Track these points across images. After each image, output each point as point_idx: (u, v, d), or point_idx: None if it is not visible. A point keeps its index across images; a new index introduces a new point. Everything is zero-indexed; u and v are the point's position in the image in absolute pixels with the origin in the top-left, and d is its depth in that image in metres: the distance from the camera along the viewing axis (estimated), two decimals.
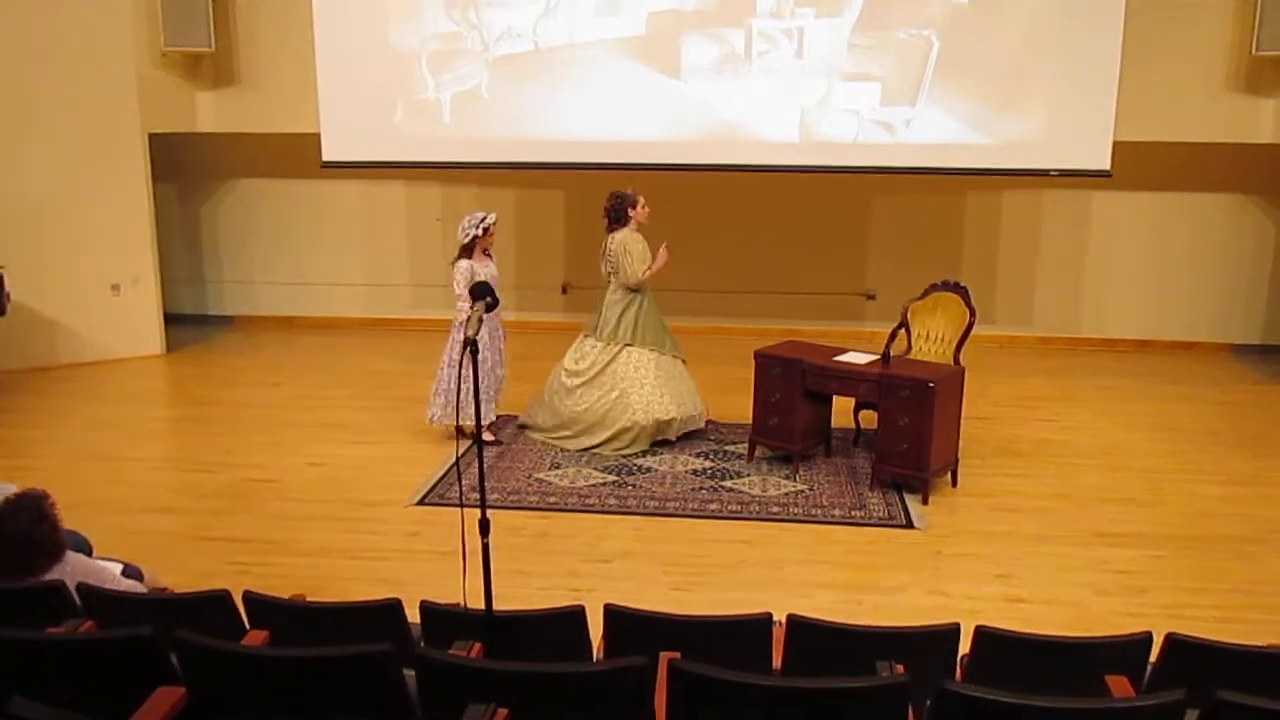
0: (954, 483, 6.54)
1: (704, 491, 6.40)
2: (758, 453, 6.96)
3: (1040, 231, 10.45)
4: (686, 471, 6.74)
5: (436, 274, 11.04)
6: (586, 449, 7.03)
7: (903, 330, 7.34)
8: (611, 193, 7.17)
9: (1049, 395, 8.73)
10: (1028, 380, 9.22)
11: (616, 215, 7.16)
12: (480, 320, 3.35)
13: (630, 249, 7.07)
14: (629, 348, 7.15)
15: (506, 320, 10.61)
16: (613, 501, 6.21)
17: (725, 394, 8.26)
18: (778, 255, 10.56)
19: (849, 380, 6.45)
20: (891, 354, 6.63)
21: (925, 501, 6.22)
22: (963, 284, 7.40)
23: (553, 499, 6.24)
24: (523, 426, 7.41)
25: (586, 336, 7.34)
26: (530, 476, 6.61)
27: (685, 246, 10.40)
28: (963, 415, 6.57)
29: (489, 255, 6.94)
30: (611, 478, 6.59)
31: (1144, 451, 7.34)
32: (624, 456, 6.92)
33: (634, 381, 7.09)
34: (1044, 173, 8.97)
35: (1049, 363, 9.88)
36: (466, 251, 6.79)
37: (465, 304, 6.71)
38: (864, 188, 10.31)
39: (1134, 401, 8.58)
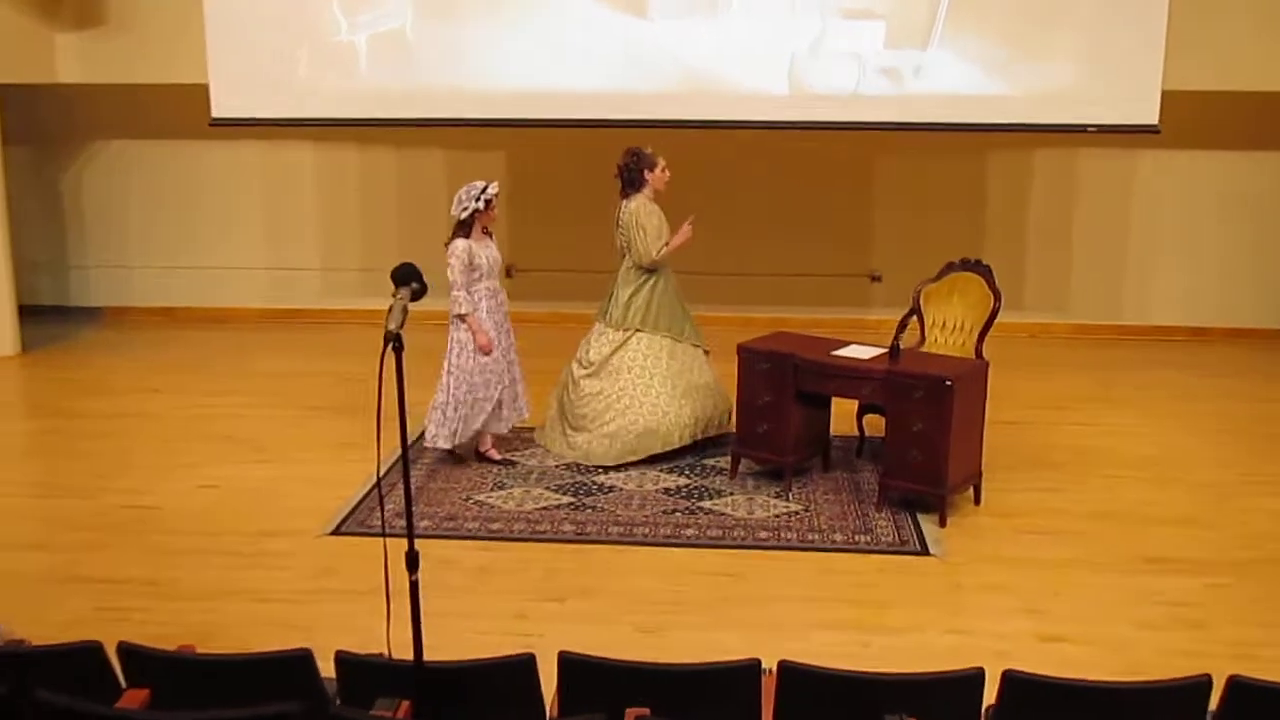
0: (976, 500, 6.60)
1: (678, 514, 6.41)
2: (742, 467, 6.99)
3: (1076, 199, 10.56)
4: (657, 490, 6.75)
5: (351, 255, 11.00)
6: (614, 463, 7.08)
7: (914, 318, 7.39)
8: (627, 150, 7.21)
9: (1088, 395, 8.82)
10: (1063, 377, 9.31)
11: (630, 179, 7.19)
12: (404, 311, 3.35)
13: (643, 222, 7.12)
14: (639, 334, 7.21)
15: (437, 309, 10.69)
16: (568, 528, 6.21)
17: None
18: (763, 229, 10.60)
19: (850, 379, 6.49)
20: (901, 347, 6.68)
21: (942, 523, 6.27)
22: (985, 262, 7.46)
23: (496, 525, 6.23)
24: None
25: (598, 320, 7.42)
26: (469, 499, 6.60)
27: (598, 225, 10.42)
28: (986, 419, 6.63)
29: (489, 234, 6.90)
30: (567, 499, 6.60)
31: (1200, 461, 7.44)
32: (625, 465, 7.03)
33: (641, 373, 7.15)
34: (1080, 129, 9.05)
35: (1088, 355, 9.99)
36: (464, 230, 6.75)
37: (461, 294, 6.73)
38: (866, 148, 10.38)
39: (1188, 401, 8.70)
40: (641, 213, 7.12)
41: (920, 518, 6.36)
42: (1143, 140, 9.87)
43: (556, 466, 7.07)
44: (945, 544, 6.06)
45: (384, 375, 3.26)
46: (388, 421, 3.42)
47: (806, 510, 6.47)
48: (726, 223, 10.61)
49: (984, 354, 7.16)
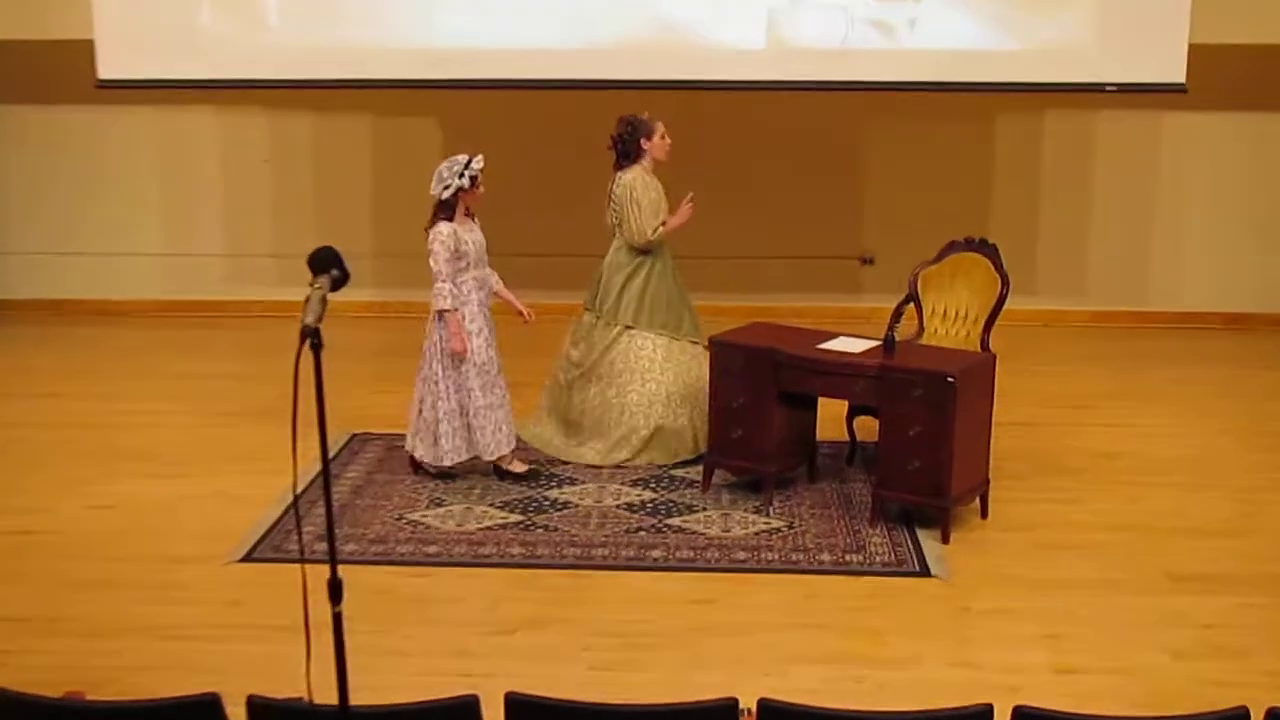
0: (984, 513, 6.64)
1: (642, 533, 6.42)
2: (716, 478, 7.01)
3: (1094, 168, 10.63)
4: (617, 506, 6.76)
5: (261, 239, 10.94)
6: (615, 465, 7.19)
7: (911, 306, 7.42)
8: (621, 118, 7.26)
9: (1109, 391, 8.89)
10: (1081, 371, 9.38)
11: (626, 148, 7.24)
12: (323, 302, 3.33)
13: (639, 196, 7.15)
14: (630, 331, 7.26)
15: (361, 300, 10.73)
16: (517, 550, 6.21)
17: None
18: (737, 206, 10.61)
19: (839, 376, 6.51)
20: (897, 339, 6.71)
21: (945, 540, 6.31)
22: (991, 241, 7.50)
23: (433, 549, 6.22)
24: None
25: (586, 310, 7.46)
26: (401, 518, 6.58)
27: (577, 199, 10.41)
28: (994, 421, 6.67)
29: (471, 216, 6.90)
30: (514, 517, 6.59)
31: (1236, 465, 7.51)
32: (613, 469, 7.13)
33: (634, 375, 7.20)
34: (1097, 88, 9.13)
35: (1109, 346, 10.05)
36: (446, 211, 6.75)
37: (446, 286, 6.70)
38: (855, 111, 10.41)
39: (1223, 397, 8.79)
40: (637, 186, 7.16)
41: (920, 534, 6.39)
42: (1168, 101, 9.95)
43: (503, 481, 7.06)
44: (949, 563, 6.10)
45: (301, 377, 3.25)
46: (306, 429, 3.41)
47: (790, 527, 6.49)
48: (695, 199, 10.61)
49: (991, 346, 7.21)
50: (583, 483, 7.06)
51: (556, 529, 6.45)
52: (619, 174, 7.25)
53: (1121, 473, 7.33)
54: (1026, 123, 10.55)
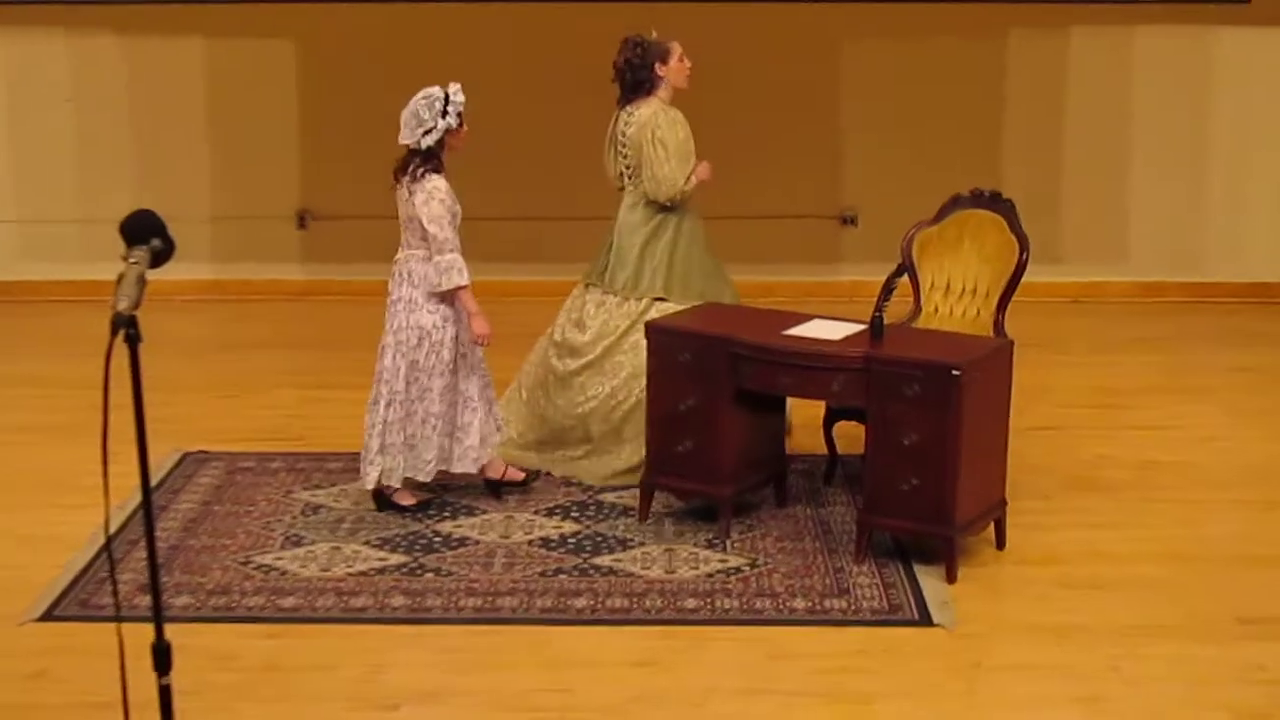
0: (999, 543, 6.67)
1: (564, 576, 6.40)
2: (658, 504, 7.00)
3: (1132, 101, 10.72)
4: (530, 542, 6.74)
5: (60, 200, 10.82)
6: (610, 477, 7.23)
7: (905, 278, 7.44)
8: (626, 40, 7.28)
9: (1156, 384, 8.97)
10: (1120, 360, 9.46)
11: (636, 78, 7.29)
12: (140, 282, 3.29)
13: (664, 135, 7.22)
14: (661, 304, 7.31)
15: (193, 279, 10.65)
16: (400, 602, 6.18)
17: None
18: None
19: (814, 371, 6.50)
20: (886, 321, 6.73)
21: (951, 578, 6.33)
22: (1006, 196, 7.53)
23: (290, 601, 6.18)
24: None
25: (590, 286, 7.50)
26: (249, 561, 6.53)
27: (512, 143, 10.42)
28: (1012, 425, 6.70)
29: None
30: (396, 557, 6.56)
31: None
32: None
33: None
34: None
35: (1154, 327, 10.15)
36: (434, 161, 6.82)
37: (458, 257, 6.73)
38: (830, 29, 10.44)
39: None
40: (661, 123, 7.22)
41: (919, 571, 6.40)
42: (1224, 14, 10.06)
43: (378, 512, 7.02)
44: (956, 608, 6.10)
45: (113, 379, 3.21)
46: (121, 447, 3.36)
47: (753, 566, 6.49)
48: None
49: (1007, 329, 7.24)
50: (484, 512, 7.03)
51: (451, 573, 6.41)
52: (628, 110, 7.32)
53: (1172, 488, 7.39)
54: (1047, 44, 10.63)
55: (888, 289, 7.11)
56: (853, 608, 6.10)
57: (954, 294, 7.48)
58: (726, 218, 10.61)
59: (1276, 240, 10.81)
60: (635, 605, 6.13)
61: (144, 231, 3.52)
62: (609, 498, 7.19)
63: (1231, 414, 8.43)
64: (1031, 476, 7.33)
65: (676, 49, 7.30)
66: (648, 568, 6.47)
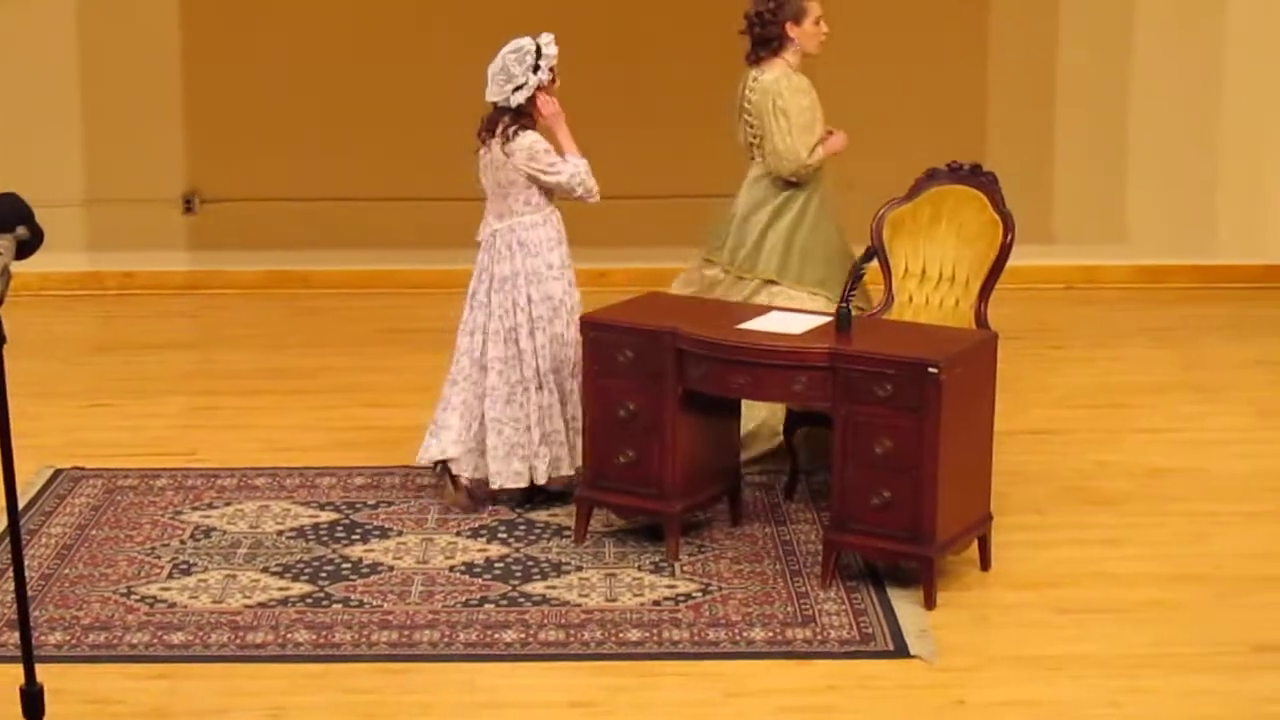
0: (984, 563, 6.69)
1: (490, 606, 6.40)
2: (596, 522, 7.01)
3: (1133, 58, 10.75)
4: (451, 567, 6.74)
5: None
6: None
7: (875, 263, 7.47)
8: None
9: (1161, 382, 9.02)
10: (1121, 354, 9.50)
11: (765, 33, 7.39)
12: (3, 275, 3.30)
13: (786, 104, 7.31)
14: (773, 287, 7.38)
15: (66, 272, 10.58)
16: (304, 637, 6.16)
17: None
18: (624, 123, 10.63)
19: (772, 369, 6.49)
20: (854, 311, 6.75)
21: (930, 604, 6.34)
22: (988, 169, 7.57)
23: (180, 637, 6.15)
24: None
25: (707, 261, 7.60)
26: (131, 593, 6.50)
27: (425, 112, 10.44)
28: (998, 429, 6.72)
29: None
30: (299, 586, 6.54)
31: None
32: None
33: None
34: None
35: (1159, 317, 10.19)
36: (524, 119, 7.05)
37: (541, 215, 7.07)
38: None
39: None
40: (784, 89, 7.33)
41: (893, 596, 6.40)
42: None
43: (281, 533, 7.02)
44: (936, 638, 6.10)
45: None
46: None
47: (705, 592, 6.49)
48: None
49: (990, 320, 7.27)
50: (398, 533, 7.03)
51: (362, 603, 6.40)
52: (755, 73, 7.44)
53: (1181, 500, 7.41)
54: (1034, 2, 10.66)
55: (855, 276, 7.14)
56: (819, 638, 6.10)
57: (930, 281, 7.50)
58: (671, 196, 10.66)
59: None
60: (572, 638, 6.12)
61: (7, 218, 3.53)
62: (541, 516, 7.19)
63: (1248, 415, 8.45)
64: (1021, 488, 7.35)
65: (814, 10, 7.41)
66: (585, 595, 6.46)
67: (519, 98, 6.96)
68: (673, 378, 6.63)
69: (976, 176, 7.50)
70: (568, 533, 6.99)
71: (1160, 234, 10.87)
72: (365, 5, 10.35)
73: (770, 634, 6.14)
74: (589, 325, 6.81)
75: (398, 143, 10.49)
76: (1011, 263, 7.38)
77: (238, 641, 6.11)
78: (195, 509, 7.30)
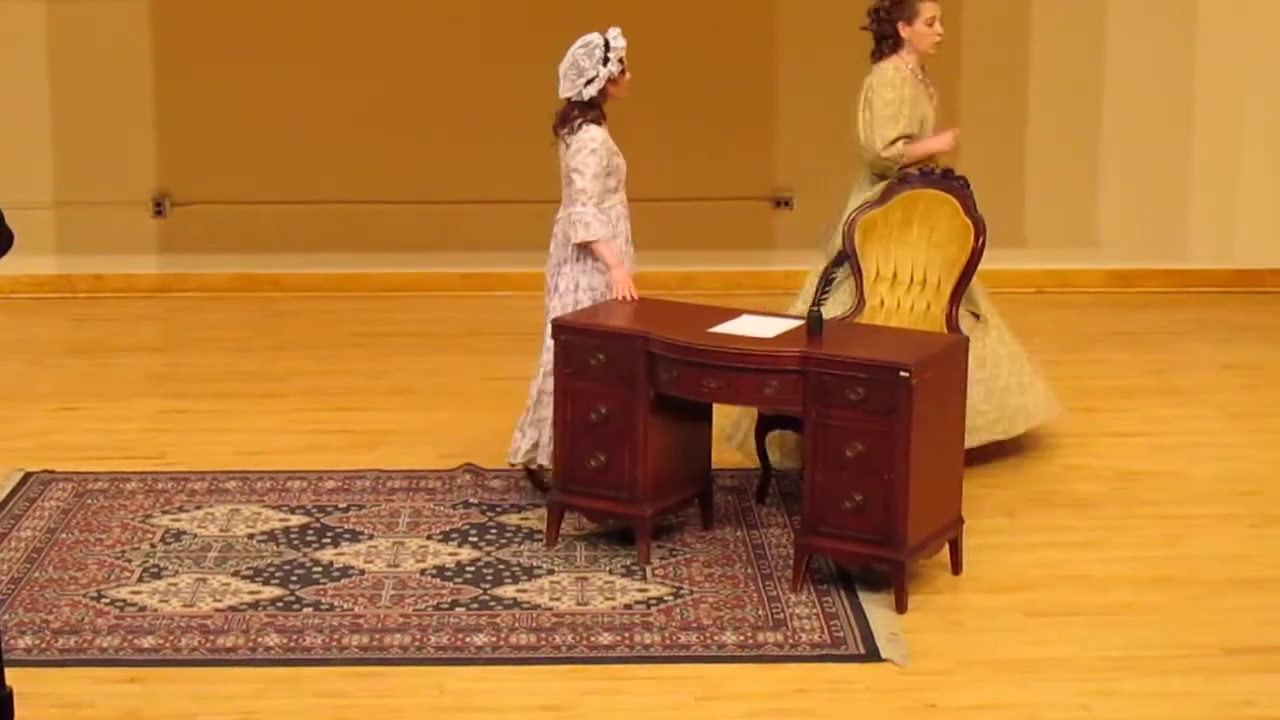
0: (956, 567, 6.69)
1: (461, 609, 6.38)
2: (567, 526, 6.99)
3: (1105, 59, 10.75)
4: (423, 571, 6.72)
5: None
6: None
7: (847, 267, 7.47)
8: None
9: (1131, 385, 9.02)
10: (1091, 357, 9.50)
11: (880, 31, 7.57)
12: None
13: (874, 96, 7.48)
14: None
15: (36, 275, 10.54)
16: (275, 640, 6.14)
17: (491, 410, 8.30)
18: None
19: (743, 373, 6.48)
20: (825, 315, 6.74)
21: (901, 607, 6.34)
22: (959, 173, 7.57)
23: (150, 641, 6.12)
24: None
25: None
26: (102, 596, 6.47)
27: (396, 115, 10.43)
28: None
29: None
30: (270, 590, 6.52)
31: None
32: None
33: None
34: None
35: (1130, 321, 10.19)
36: (593, 112, 7.16)
37: (589, 209, 7.04)
38: None
39: None
40: (877, 81, 7.49)
41: (865, 600, 6.40)
42: None
43: (252, 536, 7.00)
44: (907, 642, 6.10)
45: None
46: None
47: (676, 595, 6.48)
48: (526, 118, 10.57)
49: (961, 324, 7.28)
50: (369, 537, 7.01)
51: (333, 607, 6.37)
52: (875, 68, 7.60)
53: (1153, 503, 7.42)
54: (1007, 2, 10.66)
55: (826, 280, 7.15)
56: (790, 641, 6.10)
57: (901, 285, 7.49)
58: (644, 200, 10.60)
59: (1265, 222, 10.88)
60: (543, 642, 6.11)
61: None
62: (512, 519, 7.18)
63: (1220, 418, 8.46)
64: (992, 491, 7.36)
65: (928, 11, 7.48)
66: (557, 599, 6.45)
67: (590, 91, 7.08)
68: (644, 381, 6.62)
69: (948, 181, 7.51)
70: (539, 536, 6.98)
71: (1131, 238, 10.88)
72: (336, 9, 10.33)
73: (742, 637, 6.13)
74: (560, 328, 6.80)
75: (369, 146, 10.49)
76: (983, 266, 7.39)
77: (208, 645, 6.08)
78: (165, 512, 7.28)
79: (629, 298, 7.04)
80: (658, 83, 10.54)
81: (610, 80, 7.09)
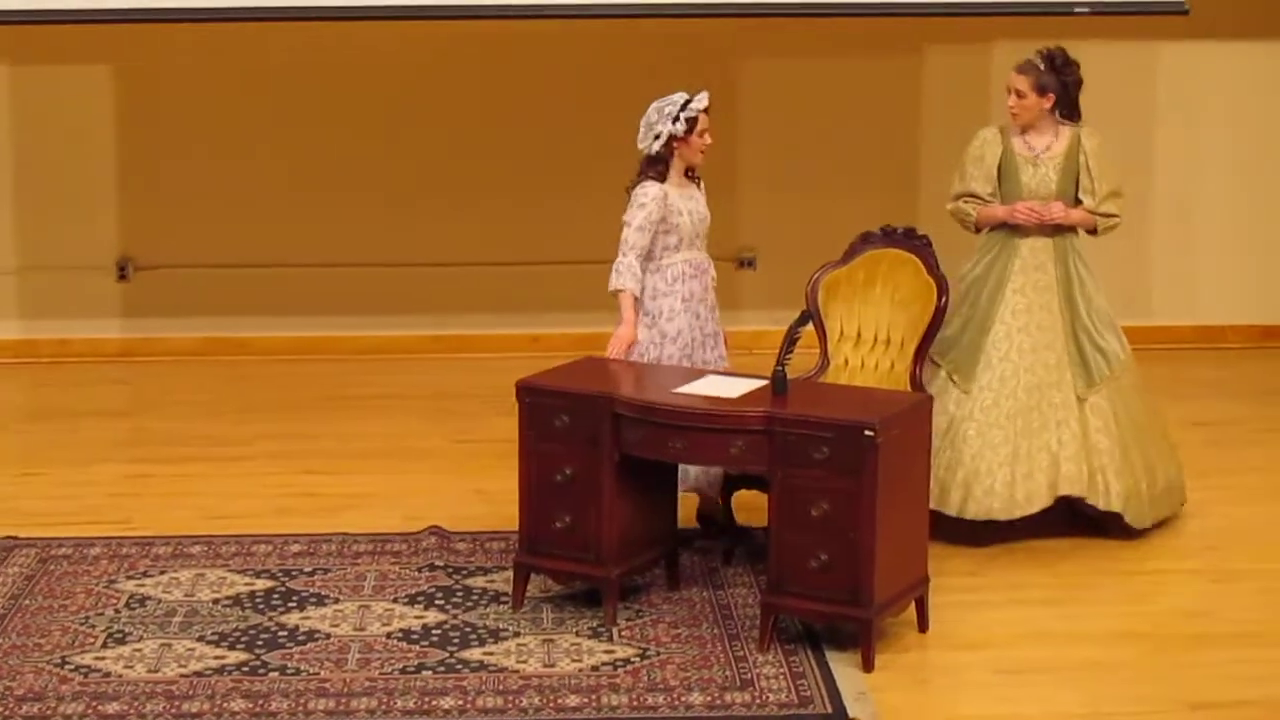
0: (922, 625, 6.69)
1: (428, 672, 6.35)
2: (533, 587, 6.98)
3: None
4: (389, 635, 6.70)
5: None
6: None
7: (811, 327, 7.48)
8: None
9: None
10: None
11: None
12: None
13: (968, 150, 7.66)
14: (936, 369, 7.53)
15: (2, 339, 10.52)
16: (241, 706, 6.10)
17: (457, 473, 8.31)
18: (555, 187, 10.64)
19: (708, 433, 6.48)
20: (790, 375, 6.75)
21: (869, 666, 6.32)
22: (922, 232, 7.60)
23: (115, 707, 6.07)
24: None
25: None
26: (65, 663, 6.44)
27: (360, 177, 10.48)
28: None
29: (694, 179, 7.45)
30: (235, 655, 6.49)
31: (1276, 540, 7.70)
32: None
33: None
34: (1064, 9, 9.31)
35: None
36: (655, 168, 7.30)
37: (624, 260, 7.20)
38: (723, 45, 10.48)
39: (1257, 445, 9.02)
40: (974, 138, 7.66)
41: (832, 659, 6.38)
42: (1164, 27, 10.20)
43: (217, 601, 6.97)
44: (875, 700, 6.08)
45: None
46: None
47: (643, 656, 6.46)
48: (484, 180, 10.62)
49: (925, 383, 7.31)
50: (335, 600, 6.99)
51: (299, 671, 6.34)
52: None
53: (1119, 559, 7.43)
54: (968, 60, 10.72)
55: (791, 339, 7.15)
56: (757, 701, 6.09)
57: (865, 344, 7.51)
58: (605, 261, 10.63)
59: (1228, 278, 10.93)
60: (510, 704, 6.09)
61: None
62: (478, 581, 7.17)
63: (1186, 474, 8.47)
64: (957, 548, 7.36)
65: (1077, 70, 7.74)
66: (524, 661, 6.43)
67: (656, 146, 7.19)
68: (609, 442, 6.62)
69: (910, 240, 7.55)
70: (505, 599, 6.97)
71: None
72: (302, 73, 10.35)
73: (709, 698, 6.11)
74: (524, 390, 6.80)
75: (333, 209, 10.51)
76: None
77: (173, 711, 6.05)
78: (130, 577, 7.25)
79: (616, 355, 7.13)
80: (619, 142, 10.60)
81: (676, 138, 7.17)
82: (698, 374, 6.92)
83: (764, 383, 6.69)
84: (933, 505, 7.13)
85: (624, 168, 10.50)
